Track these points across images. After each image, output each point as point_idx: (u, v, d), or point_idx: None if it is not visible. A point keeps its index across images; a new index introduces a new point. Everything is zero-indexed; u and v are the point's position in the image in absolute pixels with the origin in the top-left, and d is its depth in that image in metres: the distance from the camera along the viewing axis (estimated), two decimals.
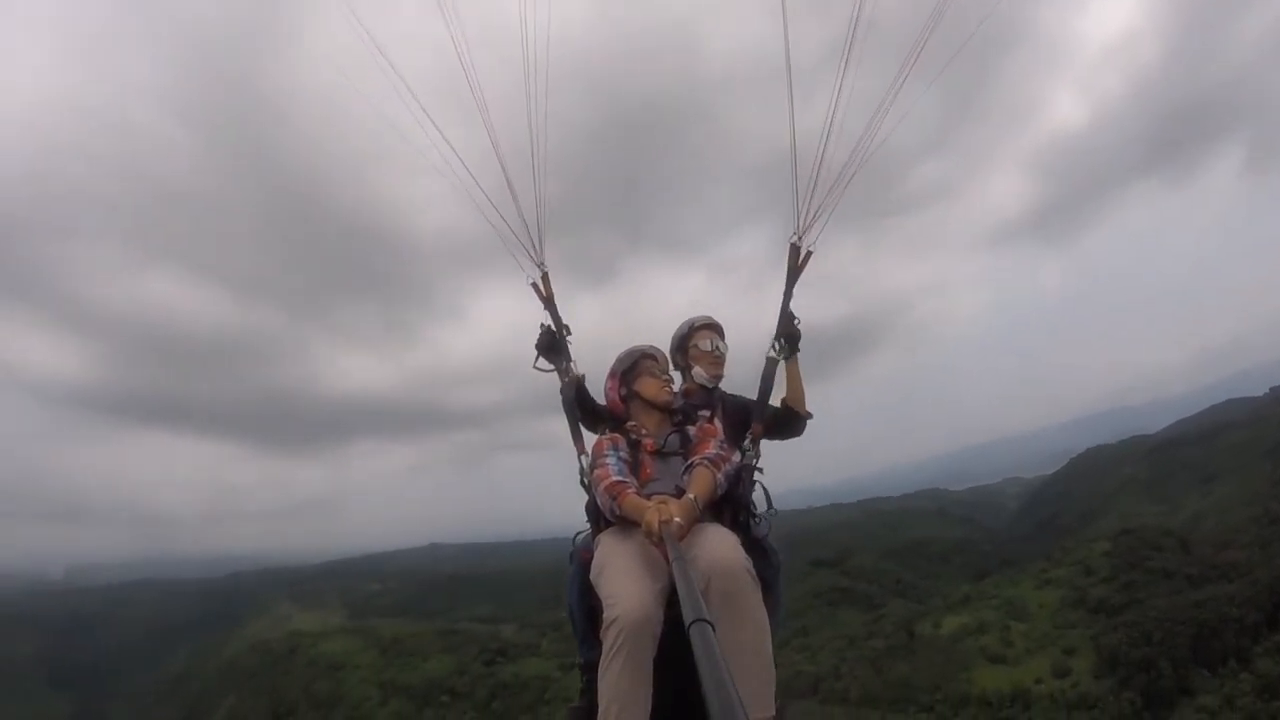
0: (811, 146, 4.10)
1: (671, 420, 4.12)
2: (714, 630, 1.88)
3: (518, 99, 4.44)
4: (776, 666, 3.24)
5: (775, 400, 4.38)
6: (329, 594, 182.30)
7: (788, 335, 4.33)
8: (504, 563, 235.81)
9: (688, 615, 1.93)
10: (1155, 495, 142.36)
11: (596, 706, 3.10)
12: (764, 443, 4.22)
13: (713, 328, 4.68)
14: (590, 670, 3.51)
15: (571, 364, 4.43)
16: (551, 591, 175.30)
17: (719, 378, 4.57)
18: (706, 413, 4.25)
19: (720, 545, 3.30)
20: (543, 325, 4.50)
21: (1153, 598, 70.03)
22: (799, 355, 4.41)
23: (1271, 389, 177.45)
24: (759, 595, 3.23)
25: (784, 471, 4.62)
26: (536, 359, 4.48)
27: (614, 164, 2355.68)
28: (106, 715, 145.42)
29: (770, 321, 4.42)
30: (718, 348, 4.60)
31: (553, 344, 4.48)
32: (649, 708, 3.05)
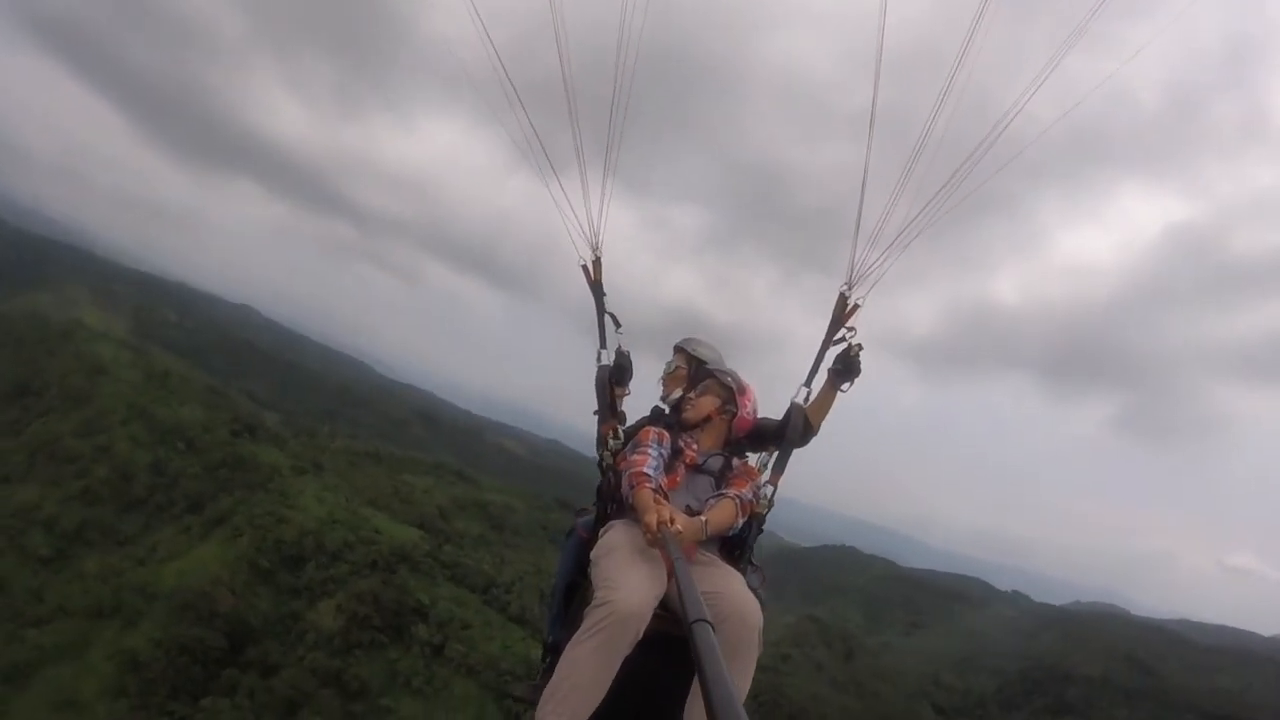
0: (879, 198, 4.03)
1: (726, 445, 4.28)
2: (714, 630, 1.83)
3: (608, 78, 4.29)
4: None
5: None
6: (125, 301, 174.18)
7: (848, 366, 4.22)
8: (303, 359, 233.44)
9: (691, 614, 1.86)
10: (865, 612, 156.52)
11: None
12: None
13: (676, 349, 4.74)
14: (556, 651, 3.51)
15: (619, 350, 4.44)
16: (325, 406, 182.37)
17: (672, 395, 4.57)
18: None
19: (746, 596, 3.43)
20: (603, 365, 4.38)
21: (790, 676, 75.86)
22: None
23: (1014, 590, 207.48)
24: (756, 656, 3.31)
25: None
26: (608, 392, 4.30)
27: (641, 75, 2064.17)
28: None
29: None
30: (678, 366, 4.68)
31: (622, 369, 4.40)
32: (600, 699, 3.04)
